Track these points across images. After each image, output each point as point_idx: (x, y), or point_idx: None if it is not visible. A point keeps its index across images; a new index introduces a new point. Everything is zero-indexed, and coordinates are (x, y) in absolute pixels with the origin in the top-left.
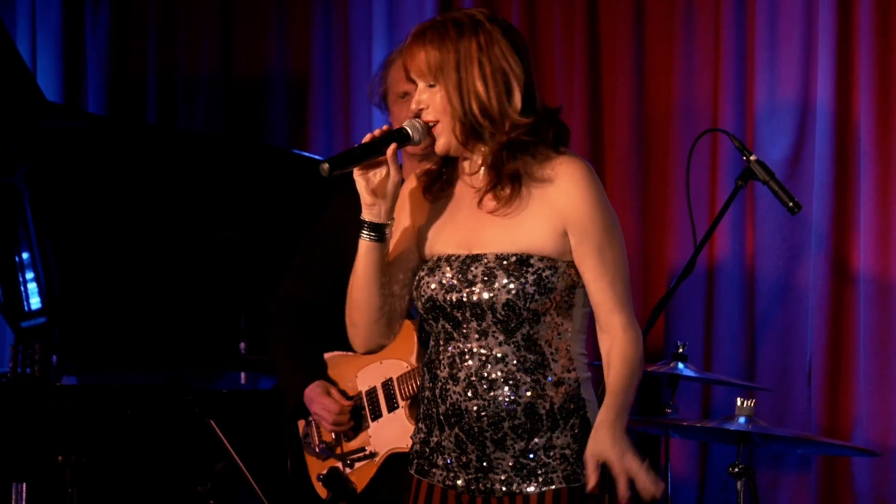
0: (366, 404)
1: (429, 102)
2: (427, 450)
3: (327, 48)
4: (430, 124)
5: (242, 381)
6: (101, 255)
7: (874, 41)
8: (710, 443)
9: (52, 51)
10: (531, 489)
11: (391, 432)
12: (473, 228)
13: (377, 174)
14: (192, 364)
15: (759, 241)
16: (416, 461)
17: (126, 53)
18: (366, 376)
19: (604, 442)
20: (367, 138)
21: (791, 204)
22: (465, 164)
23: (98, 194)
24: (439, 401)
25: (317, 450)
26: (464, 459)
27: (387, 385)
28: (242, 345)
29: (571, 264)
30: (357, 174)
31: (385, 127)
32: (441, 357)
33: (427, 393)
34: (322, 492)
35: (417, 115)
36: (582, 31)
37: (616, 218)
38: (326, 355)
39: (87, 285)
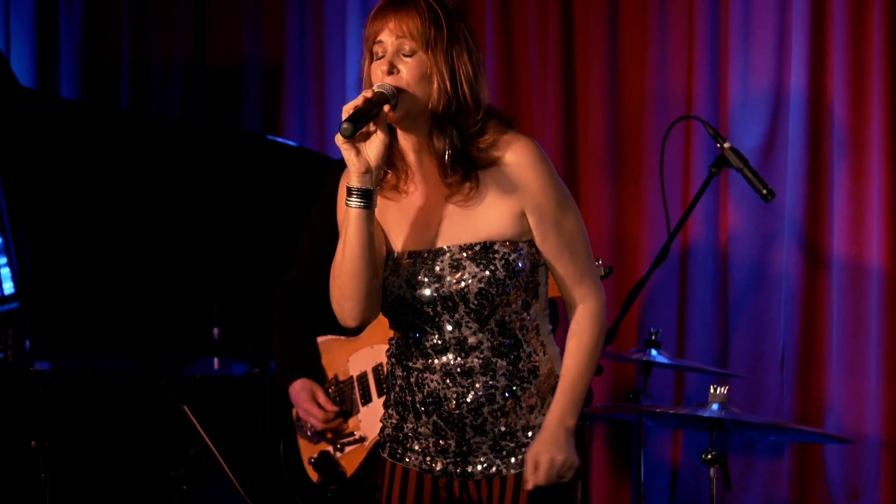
0: (356, 389)
1: (402, 69)
2: (400, 435)
3: (301, 35)
4: (399, 89)
5: (215, 366)
6: (75, 240)
7: (847, 30)
8: (683, 429)
9: (27, 37)
10: (510, 471)
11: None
12: (432, 222)
13: (368, 140)
14: (165, 350)
15: (732, 228)
16: (388, 445)
17: (100, 40)
18: (357, 361)
19: (544, 443)
20: (358, 101)
21: (765, 191)
22: (419, 146)
23: (72, 180)
24: (415, 388)
25: (308, 434)
26: (442, 444)
27: (377, 370)
28: (215, 331)
29: (531, 243)
30: (346, 145)
31: (371, 90)
32: (411, 350)
33: (399, 381)
34: (313, 475)
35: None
36: (556, 20)
37: (568, 191)
38: (320, 339)
39: (61, 271)
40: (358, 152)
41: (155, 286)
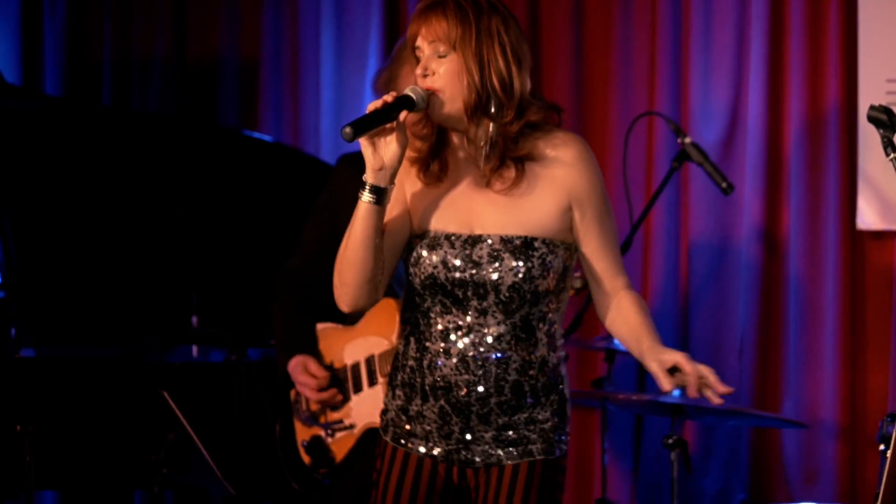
0: (349, 377)
1: (436, 70)
2: (404, 417)
3: (277, 33)
4: (433, 92)
5: (194, 354)
6: (59, 231)
7: (805, 27)
8: (645, 415)
9: (12, 35)
10: (509, 461)
11: (370, 406)
12: (474, 208)
13: (385, 139)
14: (146, 337)
15: (692, 220)
16: (391, 429)
17: (83, 38)
18: (351, 350)
19: (670, 352)
20: (377, 104)
21: (724, 184)
22: (461, 139)
23: (55, 173)
24: (426, 372)
25: (303, 417)
26: (445, 430)
27: (369, 361)
28: (194, 319)
29: (567, 247)
30: (364, 140)
31: (393, 94)
32: (432, 329)
33: (411, 362)
34: (305, 458)
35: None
36: (522, 16)
37: (607, 193)
38: (319, 326)
39: (46, 261)
40: (374, 149)
41: (136, 276)
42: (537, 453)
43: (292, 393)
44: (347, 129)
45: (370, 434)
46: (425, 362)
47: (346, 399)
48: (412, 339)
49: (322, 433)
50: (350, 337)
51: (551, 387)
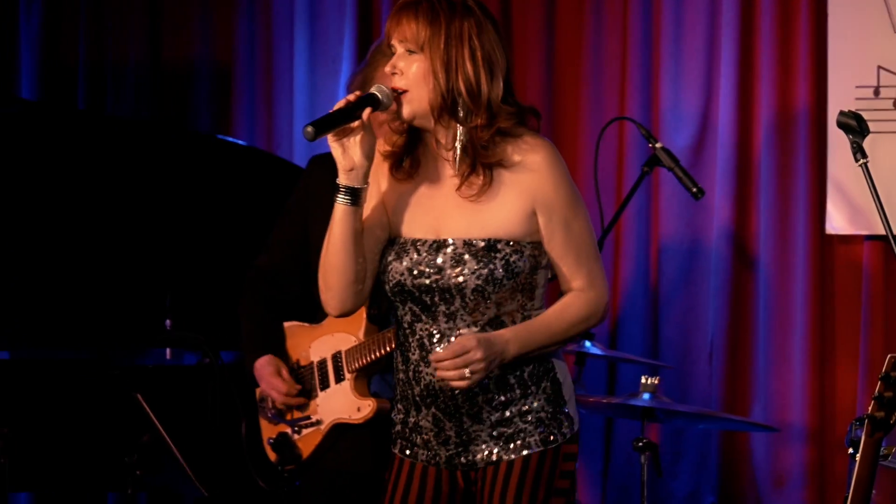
0: (316, 374)
1: (404, 69)
2: (407, 430)
3: (250, 38)
4: (399, 91)
5: (168, 356)
6: (33, 234)
7: (774, 34)
8: (615, 418)
9: None
10: (511, 456)
11: (337, 402)
12: (442, 213)
13: (353, 139)
14: (120, 340)
15: (663, 225)
16: (399, 441)
17: (58, 43)
18: (318, 347)
19: (478, 336)
20: (341, 103)
21: (695, 189)
22: (432, 141)
23: (29, 175)
24: (413, 382)
25: (269, 415)
26: (443, 437)
27: (336, 357)
28: (168, 322)
29: (536, 246)
30: (332, 141)
31: (357, 93)
32: (410, 340)
33: (401, 375)
34: (272, 455)
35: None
36: None
37: (580, 195)
38: (286, 324)
39: (19, 263)
40: (344, 150)
41: (110, 280)
42: (535, 445)
43: (258, 391)
44: (309, 128)
45: (337, 430)
46: (410, 374)
47: (313, 395)
48: (398, 352)
49: (288, 430)
50: (317, 335)
51: (541, 375)
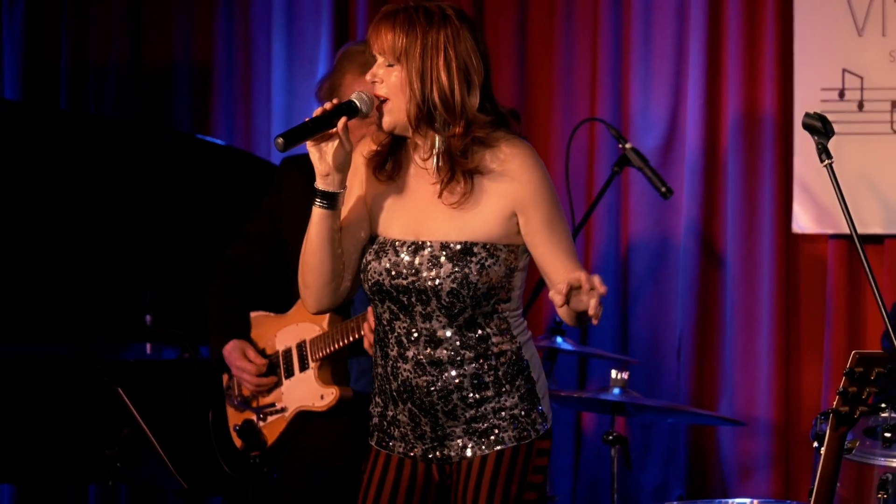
0: (281, 363)
1: (384, 78)
2: (384, 423)
3: (229, 40)
4: (381, 99)
5: (148, 351)
6: (14, 231)
7: (742, 37)
8: (585, 412)
9: None
10: (485, 451)
11: (301, 391)
12: (422, 216)
13: (330, 146)
14: (101, 335)
15: (632, 224)
16: (375, 433)
17: (40, 43)
18: (283, 337)
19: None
20: (317, 112)
21: (664, 189)
22: (413, 148)
23: (11, 173)
24: (391, 377)
25: (235, 402)
26: (419, 431)
27: (301, 347)
28: (148, 318)
29: (512, 249)
30: (310, 146)
31: (335, 101)
32: (389, 336)
33: (379, 370)
34: (237, 442)
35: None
36: None
37: (558, 198)
38: (252, 314)
39: (1, 261)
40: (321, 156)
41: (92, 276)
42: (509, 440)
43: (224, 378)
44: (279, 140)
45: (301, 417)
46: (389, 368)
47: (278, 384)
48: (378, 347)
49: (254, 417)
50: (282, 324)
51: (515, 373)
